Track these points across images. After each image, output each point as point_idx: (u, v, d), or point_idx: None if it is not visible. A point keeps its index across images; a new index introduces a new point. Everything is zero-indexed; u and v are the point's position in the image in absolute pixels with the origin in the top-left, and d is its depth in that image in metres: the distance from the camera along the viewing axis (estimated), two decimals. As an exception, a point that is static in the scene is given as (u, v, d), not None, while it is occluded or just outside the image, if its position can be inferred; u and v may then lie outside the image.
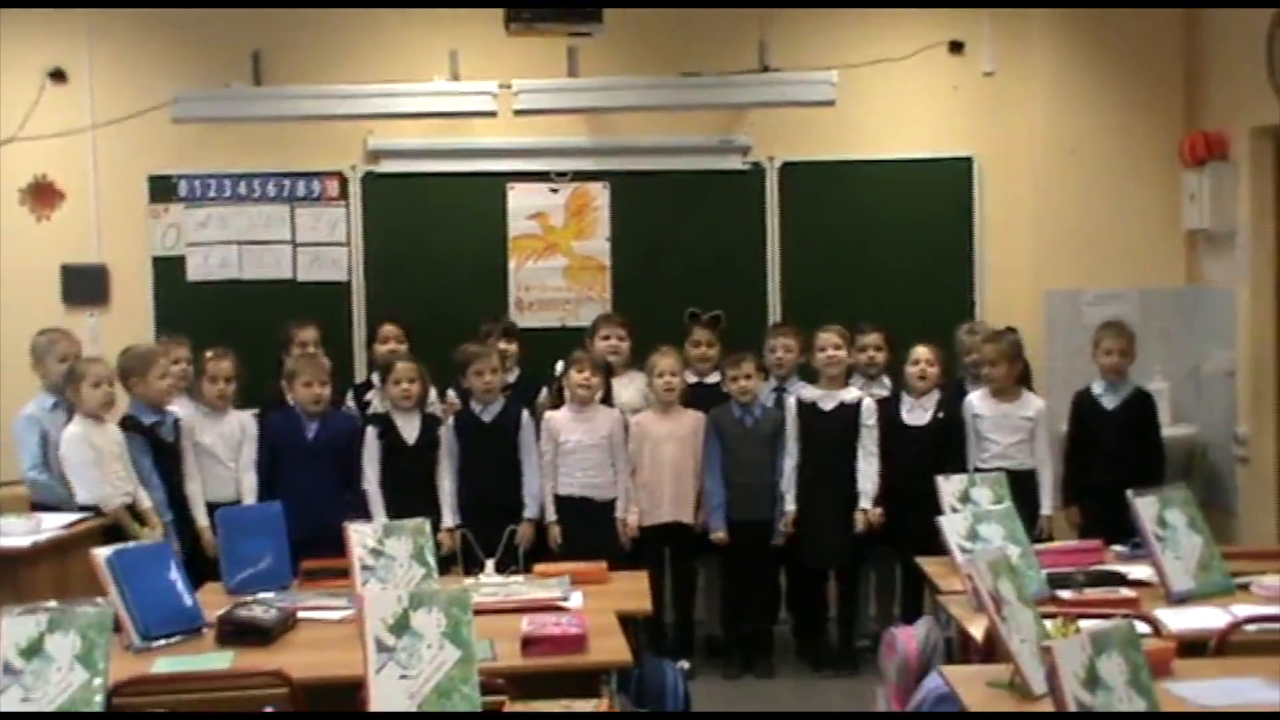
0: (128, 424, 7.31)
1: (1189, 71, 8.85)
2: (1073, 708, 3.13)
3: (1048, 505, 7.61)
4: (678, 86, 8.58)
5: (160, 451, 7.38)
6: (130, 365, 7.41)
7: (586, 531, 7.59)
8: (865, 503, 7.76)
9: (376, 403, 7.93)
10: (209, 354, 7.64)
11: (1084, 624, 4.05)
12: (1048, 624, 4.14)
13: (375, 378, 8.00)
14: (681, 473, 7.81)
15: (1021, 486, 7.36)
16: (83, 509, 6.87)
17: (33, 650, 3.77)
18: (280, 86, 8.71)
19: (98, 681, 3.78)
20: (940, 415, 7.80)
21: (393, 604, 3.85)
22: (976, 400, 7.76)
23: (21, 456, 7.29)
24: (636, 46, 8.79)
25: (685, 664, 7.69)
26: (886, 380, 8.16)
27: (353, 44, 8.93)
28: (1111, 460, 7.56)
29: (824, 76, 8.39)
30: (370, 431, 7.57)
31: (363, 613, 3.87)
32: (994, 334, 7.95)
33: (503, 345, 8.11)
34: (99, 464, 6.96)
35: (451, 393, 8.02)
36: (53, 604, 3.96)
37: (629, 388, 8.14)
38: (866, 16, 8.98)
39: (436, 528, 7.18)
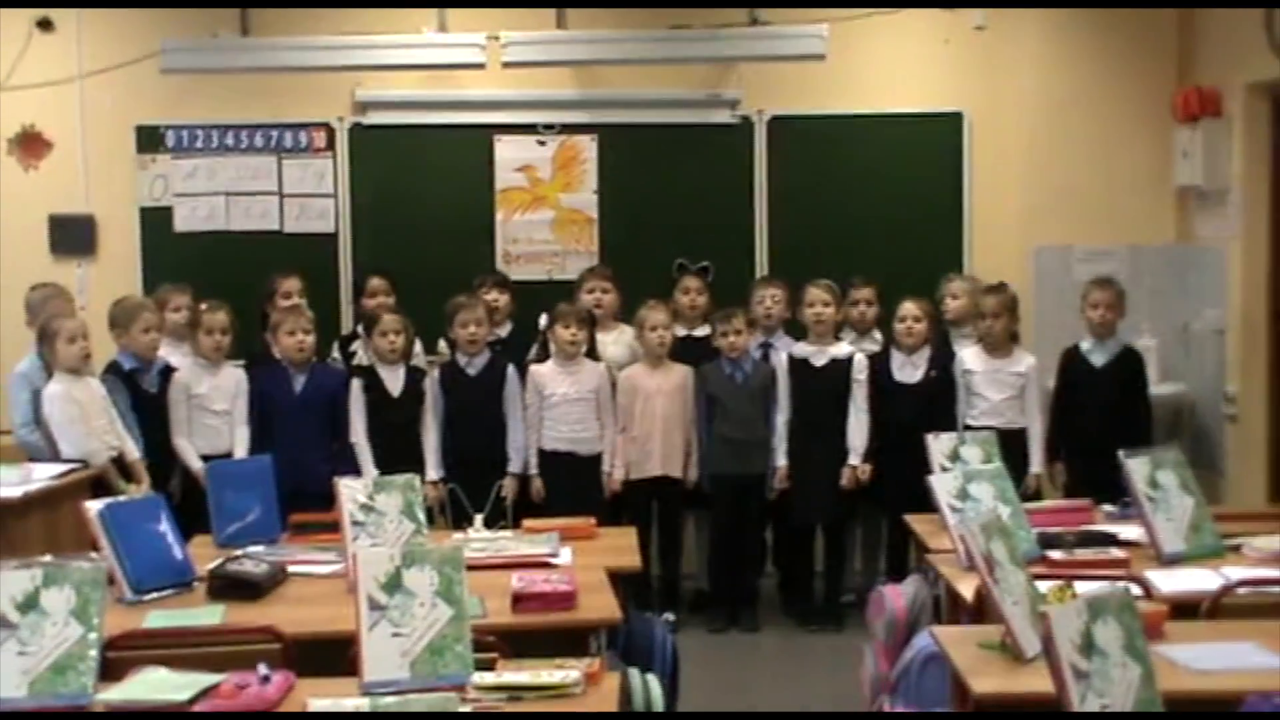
0: (109, 370, 7.32)
1: (1183, 26, 8.83)
2: (1068, 673, 3.13)
3: (1037, 463, 7.63)
4: (667, 39, 8.53)
5: (142, 401, 7.38)
6: (115, 316, 7.45)
7: (572, 486, 7.63)
8: (854, 459, 7.79)
9: (361, 354, 7.93)
10: (203, 306, 7.66)
11: (1079, 587, 4.06)
12: (1043, 586, 4.14)
13: (360, 329, 8.00)
14: (671, 427, 7.83)
15: (1011, 444, 7.39)
16: (69, 460, 6.86)
17: (29, 604, 3.78)
18: (268, 38, 8.66)
19: (92, 636, 3.78)
20: (932, 373, 7.80)
21: (385, 562, 3.85)
22: (968, 356, 7.77)
23: (12, 414, 7.27)
24: (626, -1, 8.74)
25: (670, 617, 7.77)
26: (878, 335, 8.18)
27: (341, -6, 8.86)
28: (1099, 418, 7.58)
29: (814, 30, 8.31)
30: (355, 384, 7.59)
31: (355, 571, 3.87)
32: (992, 287, 7.94)
33: (494, 296, 8.11)
34: (83, 419, 6.95)
35: (443, 344, 8.01)
36: (48, 558, 3.95)
37: (617, 342, 8.14)
38: (858, -31, 8.91)
39: (424, 479, 7.23)
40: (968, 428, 7.39)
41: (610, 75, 8.99)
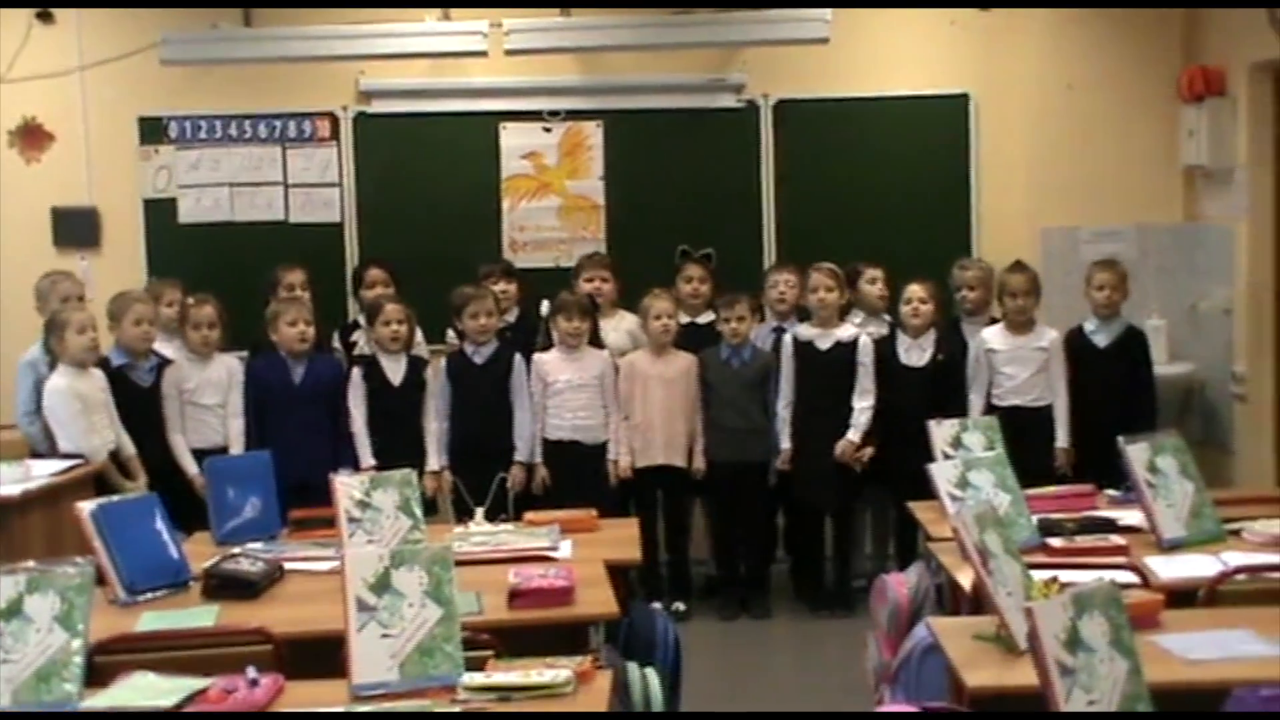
0: (99, 365, 7.30)
1: (1187, 6, 8.75)
2: (1054, 669, 3.11)
3: (1063, 437, 7.60)
4: (670, 24, 8.51)
5: (134, 396, 7.35)
6: (110, 310, 7.44)
7: (577, 475, 7.60)
8: (853, 434, 7.74)
9: (362, 344, 7.91)
10: (190, 300, 7.66)
11: (1069, 576, 4.04)
12: (1042, 575, 4.12)
13: (362, 319, 7.98)
14: (673, 415, 7.80)
15: (1038, 421, 7.45)
16: (68, 455, 6.85)
17: (12, 611, 3.75)
18: (270, 27, 8.65)
19: (77, 643, 3.75)
20: (939, 356, 7.76)
21: (374, 563, 3.84)
22: (991, 335, 7.74)
23: (16, 402, 7.30)
24: (629, -16, 8.71)
25: (681, 606, 7.77)
26: (886, 317, 8.14)
27: (343, -17, 8.83)
28: (1104, 399, 7.57)
29: (818, 14, 8.27)
30: (355, 373, 7.59)
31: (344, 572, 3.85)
32: (1016, 266, 7.88)
33: (502, 286, 8.08)
34: (84, 414, 6.95)
35: (451, 334, 8.00)
36: (31, 564, 3.93)
37: (617, 329, 8.13)
38: (862, -49, 8.86)
39: (423, 469, 7.22)
40: (993, 408, 7.39)
41: (614, 61, 8.96)
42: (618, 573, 5.21)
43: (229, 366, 7.61)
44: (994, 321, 7.85)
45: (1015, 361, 7.65)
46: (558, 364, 7.74)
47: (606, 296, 8.18)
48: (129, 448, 7.18)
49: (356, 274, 8.49)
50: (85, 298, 7.84)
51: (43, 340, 7.28)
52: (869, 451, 7.76)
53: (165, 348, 7.64)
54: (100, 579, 4.53)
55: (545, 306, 7.96)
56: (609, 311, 8.18)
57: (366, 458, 7.36)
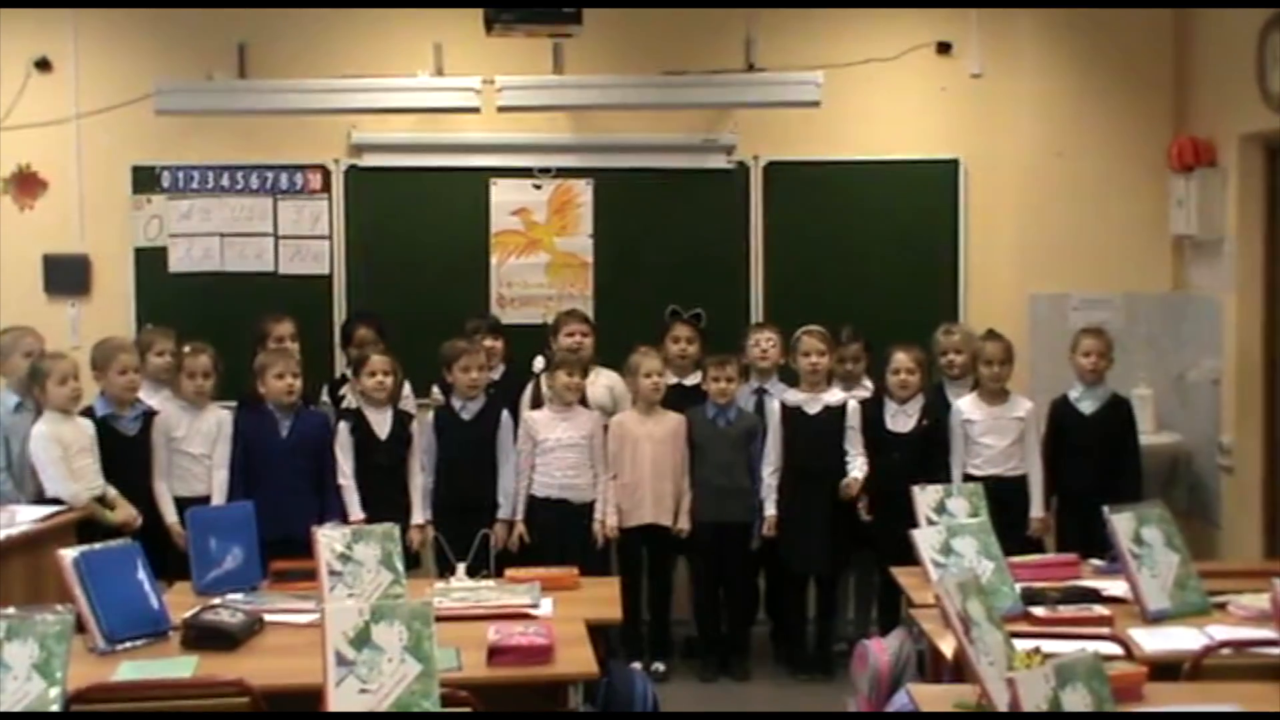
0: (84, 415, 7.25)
1: (1178, 76, 8.82)
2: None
3: (1038, 506, 7.58)
4: (662, 85, 8.53)
5: (119, 445, 7.31)
6: (95, 359, 7.40)
7: (563, 533, 7.56)
8: (856, 473, 7.71)
9: (350, 398, 7.89)
10: (186, 349, 7.61)
11: (1052, 646, 4.03)
12: (1016, 645, 4.10)
13: (349, 372, 7.96)
14: (661, 474, 7.77)
15: (1016, 491, 7.44)
16: (51, 501, 6.82)
17: (-10, 659, 3.74)
18: (265, 79, 8.65)
19: (55, 691, 3.73)
20: (924, 422, 7.75)
21: (354, 617, 3.82)
22: (966, 405, 7.71)
23: None
24: (621, 44, 8.74)
25: (661, 666, 7.74)
26: (867, 382, 8.14)
27: (337, 38, 8.86)
28: (1090, 466, 7.57)
29: (809, 77, 8.32)
30: (343, 426, 7.55)
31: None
32: (991, 334, 7.89)
33: (489, 343, 8.07)
34: (65, 460, 6.91)
35: (436, 389, 7.99)
36: (11, 610, 3.90)
37: (594, 384, 8.10)
38: (853, 16, 8.89)
39: (407, 523, 7.20)
40: (969, 477, 7.35)
41: (606, 119, 8.97)
42: (598, 632, 5.20)
43: (219, 418, 7.57)
44: (977, 385, 7.82)
45: (993, 432, 7.63)
46: (549, 422, 7.72)
47: (585, 352, 8.14)
48: (112, 490, 7.10)
49: (345, 330, 8.49)
50: (46, 352, 7.74)
51: (24, 392, 7.30)
52: (866, 501, 7.73)
53: (153, 398, 7.59)
54: (80, 627, 4.52)
55: (539, 363, 7.95)
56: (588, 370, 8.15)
57: (355, 510, 7.34)
